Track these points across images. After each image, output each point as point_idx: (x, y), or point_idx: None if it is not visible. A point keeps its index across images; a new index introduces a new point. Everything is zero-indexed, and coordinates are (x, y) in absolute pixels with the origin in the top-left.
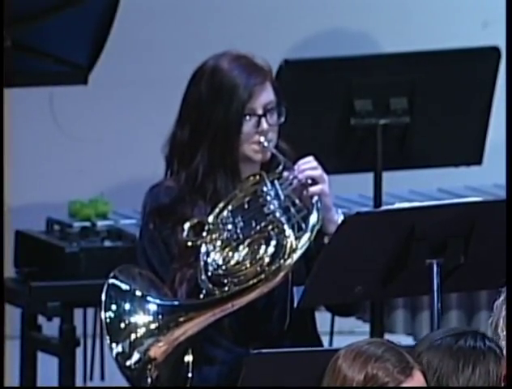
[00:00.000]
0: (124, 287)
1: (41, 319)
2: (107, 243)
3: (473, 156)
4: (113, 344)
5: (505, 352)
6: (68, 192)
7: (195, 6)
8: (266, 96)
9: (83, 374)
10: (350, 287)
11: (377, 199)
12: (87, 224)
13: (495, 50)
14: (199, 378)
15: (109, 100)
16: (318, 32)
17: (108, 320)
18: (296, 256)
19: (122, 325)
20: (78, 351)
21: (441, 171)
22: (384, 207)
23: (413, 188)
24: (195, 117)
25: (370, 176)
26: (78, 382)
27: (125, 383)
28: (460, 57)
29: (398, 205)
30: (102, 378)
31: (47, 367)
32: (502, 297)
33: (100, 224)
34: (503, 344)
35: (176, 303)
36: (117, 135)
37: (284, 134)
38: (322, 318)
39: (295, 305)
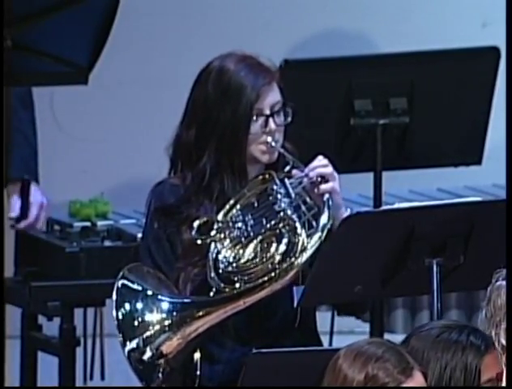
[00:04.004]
0: (135, 286)
1: (41, 319)
2: (107, 243)
3: (473, 155)
4: (127, 341)
5: (496, 344)
6: (68, 192)
7: (195, 6)
8: (274, 96)
9: (83, 373)
10: (350, 287)
11: (377, 199)
12: (88, 223)
13: (494, 50)
14: (203, 376)
15: (110, 100)
16: (318, 32)
17: (120, 318)
18: (306, 255)
19: (135, 323)
20: (79, 351)
21: (440, 171)
22: (384, 207)
23: (413, 188)
24: (202, 117)
25: (370, 176)
26: (78, 382)
27: (125, 383)
28: (460, 57)
29: (397, 205)
30: (102, 378)
31: (47, 367)
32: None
33: (100, 223)
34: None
35: (188, 301)
36: (117, 135)
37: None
38: (322, 318)
39: (294, 304)
